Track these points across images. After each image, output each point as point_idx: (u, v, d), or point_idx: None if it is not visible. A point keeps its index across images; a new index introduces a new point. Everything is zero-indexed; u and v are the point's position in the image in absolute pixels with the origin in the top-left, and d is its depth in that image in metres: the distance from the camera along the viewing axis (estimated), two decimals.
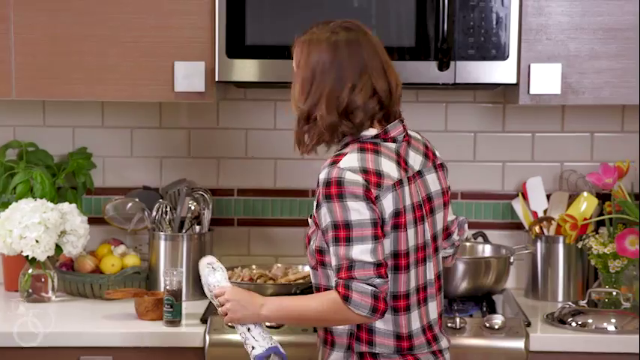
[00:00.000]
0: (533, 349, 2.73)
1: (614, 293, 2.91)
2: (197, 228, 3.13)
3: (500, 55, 2.90)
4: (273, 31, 2.92)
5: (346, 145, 2.29)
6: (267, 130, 3.33)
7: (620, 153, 3.23)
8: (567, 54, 2.92)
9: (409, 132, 2.36)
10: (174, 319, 2.79)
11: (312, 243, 2.31)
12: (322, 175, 2.24)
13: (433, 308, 2.34)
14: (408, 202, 2.26)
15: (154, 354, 2.74)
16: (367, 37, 2.30)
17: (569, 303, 2.94)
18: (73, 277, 3.12)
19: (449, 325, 2.75)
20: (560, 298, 3.12)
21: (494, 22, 2.88)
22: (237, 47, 2.92)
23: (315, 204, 2.28)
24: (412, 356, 2.31)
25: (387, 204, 2.22)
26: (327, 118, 2.26)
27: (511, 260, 3.02)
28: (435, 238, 2.34)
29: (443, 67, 2.89)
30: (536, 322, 2.87)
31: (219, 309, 2.38)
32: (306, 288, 2.95)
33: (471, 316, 2.88)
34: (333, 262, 2.23)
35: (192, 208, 3.13)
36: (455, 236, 2.50)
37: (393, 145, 2.29)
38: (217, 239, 3.23)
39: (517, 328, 2.76)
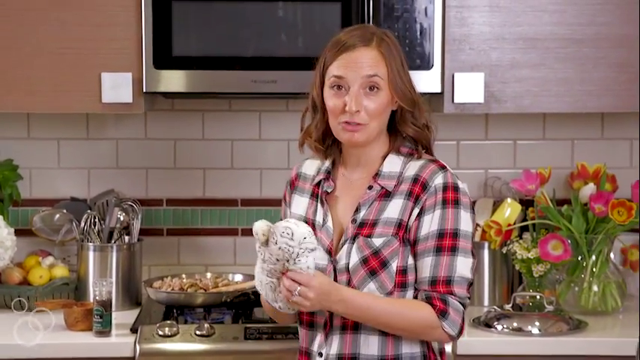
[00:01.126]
0: (460, 353, 2.77)
1: (538, 297, 2.97)
2: (126, 238, 3.12)
3: (425, 64, 2.95)
4: (200, 42, 2.94)
5: (412, 152, 2.23)
6: (195, 140, 3.34)
7: (542, 160, 3.31)
8: (490, 63, 2.99)
9: None
10: (104, 330, 2.79)
11: (392, 264, 2.15)
12: (439, 180, 2.15)
13: None
14: None
15: None
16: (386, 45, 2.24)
17: (495, 307, 2.99)
18: (1, 290, 3.09)
19: None
20: (486, 302, 3.18)
21: (419, 33, 2.94)
22: (164, 58, 2.93)
23: (407, 214, 2.16)
24: None
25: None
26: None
27: None
28: None
29: None
30: None
31: (293, 296, 2.08)
32: (236, 297, 2.96)
33: None
34: (424, 274, 2.13)
35: (122, 218, 3.13)
36: None
37: None
38: (147, 249, 3.23)
39: None
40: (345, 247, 2.19)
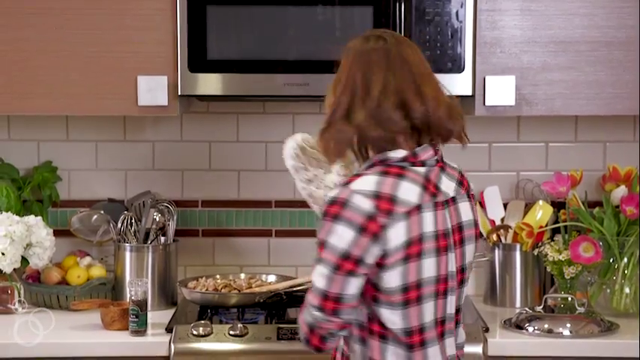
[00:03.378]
0: (491, 354, 2.79)
1: (570, 299, 2.98)
2: (162, 239, 3.17)
3: (456, 67, 2.97)
4: (235, 46, 2.98)
5: (371, 166, 2.14)
6: (229, 143, 3.39)
7: (574, 162, 3.31)
8: (521, 66, 3.00)
9: (444, 160, 2.22)
10: (140, 329, 2.83)
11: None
12: (331, 193, 2.09)
13: (451, 344, 2.19)
14: (428, 229, 2.09)
15: None
16: (399, 49, 2.15)
17: (526, 309, 3.00)
18: (40, 289, 3.15)
19: None
20: (518, 304, 3.19)
21: (450, 36, 2.96)
22: (199, 61, 2.98)
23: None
24: None
25: (396, 233, 2.05)
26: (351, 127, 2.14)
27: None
28: (462, 270, 2.20)
29: None
30: (494, 328, 2.94)
31: None
32: (269, 297, 3.00)
33: None
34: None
35: (157, 219, 3.18)
36: None
37: (422, 170, 2.13)
38: (182, 250, 3.28)
39: (475, 333, 2.82)
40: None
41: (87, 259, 3.25)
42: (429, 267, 2.10)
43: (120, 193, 3.38)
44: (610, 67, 2.99)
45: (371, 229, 2.04)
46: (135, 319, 2.82)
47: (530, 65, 3.00)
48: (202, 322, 2.83)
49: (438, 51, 2.95)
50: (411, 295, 2.09)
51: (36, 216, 3.15)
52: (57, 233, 3.20)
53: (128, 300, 2.90)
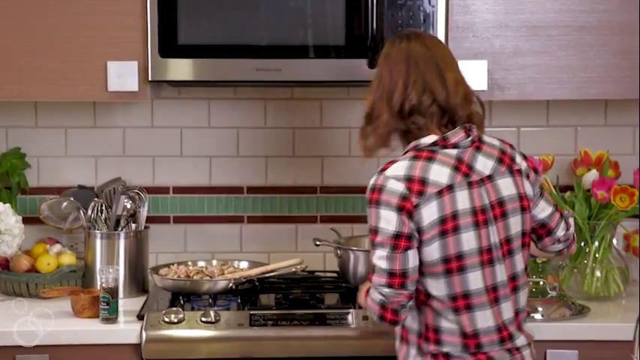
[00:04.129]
0: None
1: (541, 283, 2.99)
2: (133, 226, 3.15)
3: None
4: (206, 31, 2.96)
5: (405, 152, 2.36)
6: (201, 128, 3.37)
7: (546, 147, 3.32)
8: (493, 51, 3.00)
9: (485, 138, 2.40)
10: (111, 317, 2.81)
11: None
12: (370, 182, 2.32)
13: (507, 308, 2.36)
14: (463, 206, 2.30)
15: (91, 351, 2.76)
16: (420, 41, 2.39)
17: None
18: (9, 277, 3.12)
19: None
20: None
21: (422, 20, 2.95)
22: (169, 46, 2.95)
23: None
24: (483, 354, 2.34)
25: (429, 212, 2.27)
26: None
27: None
28: (508, 240, 2.36)
29: (372, 64, 2.95)
30: None
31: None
32: (241, 284, 2.99)
33: None
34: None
35: (128, 206, 3.16)
36: (559, 231, 2.53)
37: (453, 152, 2.33)
38: (154, 237, 3.26)
39: None
40: None
41: (57, 247, 3.22)
42: (469, 240, 2.30)
43: (90, 180, 3.35)
44: (582, 52, 2.99)
45: (406, 208, 2.27)
46: (106, 307, 2.80)
47: (502, 50, 3.00)
48: (174, 309, 2.81)
49: None
50: (452, 266, 2.30)
51: (4, 203, 3.12)
52: (26, 221, 3.17)
53: (99, 287, 2.88)
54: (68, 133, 3.36)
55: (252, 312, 2.84)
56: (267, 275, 3.06)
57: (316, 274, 3.26)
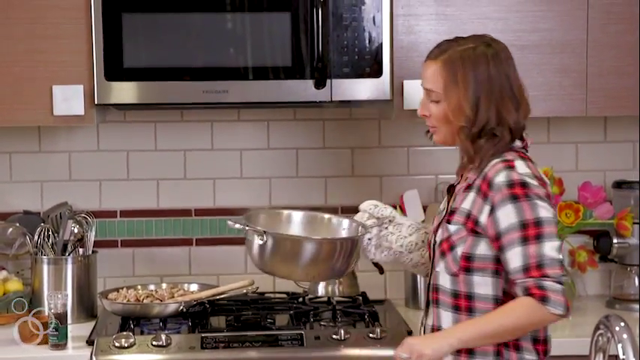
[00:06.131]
0: None
1: None
2: (80, 251, 3.12)
3: (374, 72, 2.99)
4: (152, 54, 2.95)
5: (496, 152, 2.33)
6: (148, 151, 3.35)
7: None
8: None
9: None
10: (60, 343, 2.78)
11: (457, 249, 2.33)
12: (501, 178, 2.28)
13: None
14: None
15: None
16: (502, 48, 2.40)
17: None
18: None
19: (333, 336, 2.81)
20: None
21: (367, 41, 2.98)
22: (115, 70, 2.94)
23: (477, 208, 2.30)
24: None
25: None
26: (507, 130, 2.34)
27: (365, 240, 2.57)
28: None
29: (319, 85, 2.97)
30: (417, 331, 2.96)
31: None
32: (192, 306, 2.98)
33: (354, 327, 2.96)
34: (516, 263, 2.24)
35: (75, 230, 3.13)
36: None
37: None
38: (102, 261, 3.23)
39: (399, 337, 2.83)
40: (439, 231, 2.42)
41: (3, 273, 3.18)
42: None
43: (36, 205, 3.32)
44: (524, 70, 2.98)
45: (550, 199, 2.31)
46: (54, 333, 2.78)
47: None
48: (124, 333, 2.79)
49: (356, 56, 2.97)
50: None
51: None
52: None
53: (47, 313, 2.85)
54: (13, 158, 3.32)
55: (203, 335, 2.83)
56: (217, 297, 3.05)
57: (267, 295, 3.26)
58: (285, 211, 2.70)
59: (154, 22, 2.94)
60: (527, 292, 2.25)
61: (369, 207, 2.53)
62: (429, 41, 3.00)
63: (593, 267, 3.24)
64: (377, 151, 3.40)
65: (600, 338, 1.79)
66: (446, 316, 2.36)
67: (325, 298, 3.17)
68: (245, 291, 3.08)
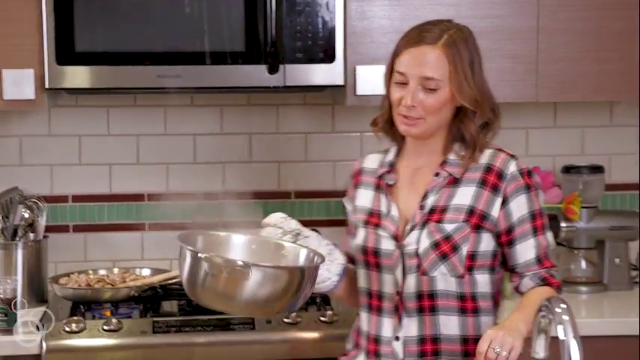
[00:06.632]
0: None
1: None
2: (31, 236, 3.10)
3: (327, 58, 3.00)
4: (104, 38, 2.94)
5: (488, 143, 2.29)
6: (100, 136, 3.34)
7: None
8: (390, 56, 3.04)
9: None
10: (9, 328, 2.77)
11: (462, 249, 2.21)
12: (513, 168, 2.24)
13: None
14: None
15: None
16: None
17: None
18: None
19: (285, 320, 2.82)
20: None
21: (321, 27, 2.99)
22: (66, 54, 2.92)
23: (484, 202, 2.23)
24: None
25: None
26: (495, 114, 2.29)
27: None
28: None
29: (272, 70, 2.97)
30: None
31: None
32: (143, 291, 2.97)
33: (306, 310, 2.98)
34: (531, 255, 2.23)
35: (26, 215, 3.10)
36: None
37: None
38: (53, 246, 3.21)
39: (350, 320, 2.85)
40: (415, 233, 2.24)
41: None
42: None
43: None
44: (492, 57, 3.06)
45: None
46: (4, 318, 2.76)
47: None
48: (75, 318, 2.79)
49: (309, 42, 2.98)
50: None
51: None
52: None
53: None
54: None
55: (155, 319, 2.83)
56: (169, 282, 3.05)
57: None
58: (223, 233, 2.29)
59: (106, 5, 2.92)
60: (545, 282, 2.24)
61: (280, 221, 2.29)
62: (382, 27, 3.03)
63: None
64: (330, 136, 3.41)
65: (542, 320, 1.82)
66: (450, 322, 2.24)
67: None
68: None
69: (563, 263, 3.31)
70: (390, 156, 2.36)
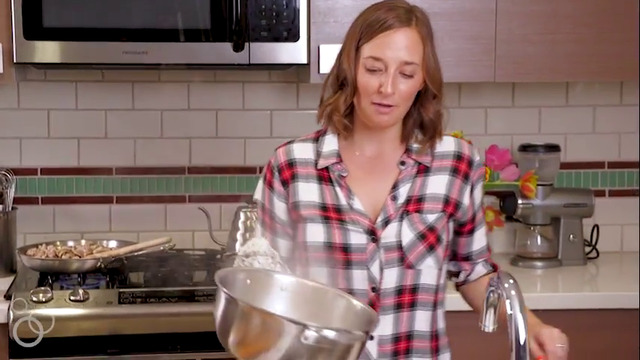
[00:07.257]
0: None
1: None
2: (0, 207, 3.15)
3: (292, 36, 3.05)
4: (72, 13, 2.97)
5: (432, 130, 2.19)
6: (69, 110, 3.38)
7: None
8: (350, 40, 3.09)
9: None
10: None
11: (443, 239, 2.14)
12: (477, 156, 2.20)
13: None
14: None
15: None
16: None
17: None
18: None
19: None
20: None
21: (285, 5, 3.04)
22: (35, 29, 2.96)
23: (457, 191, 2.16)
24: None
25: None
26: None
27: None
28: None
29: (237, 48, 3.02)
30: None
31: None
32: (110, 262, 3.03)
33: None
34: (483, 242, 2.22)
35: None
36: None
37: None
38: (22, 218, 3.26)
39: None
40: (393, 224, 2.11)
41: None
42: None
43: None
44: (436, 37, 3.07)
45: None
46: None
47: None
48: (42, 288, 2.84)
49: (273, 20, 3.02)
50: None
51: None
52: None
53: None
54: None
55: (120, 290, 2.89)
56: (135, 254, 3.11)
57: (185, 252, 3.32)
58: (276, 275, 1.95)
59: None
60: (494, 269, 2.23)
61: (269, 248, 2.03)
62: (346, 7, 3.08)
63: (499, 226, 3.36)
64: (294, 113, 3.47)
65: (492, 295, 1.88)
66: (424, 317, 2.14)
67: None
68: (162, 248, 3.15)
69: (519, 239, 3.41)
70: (332, 145, 2.18)
